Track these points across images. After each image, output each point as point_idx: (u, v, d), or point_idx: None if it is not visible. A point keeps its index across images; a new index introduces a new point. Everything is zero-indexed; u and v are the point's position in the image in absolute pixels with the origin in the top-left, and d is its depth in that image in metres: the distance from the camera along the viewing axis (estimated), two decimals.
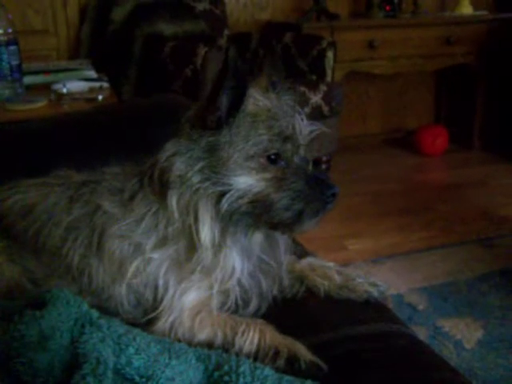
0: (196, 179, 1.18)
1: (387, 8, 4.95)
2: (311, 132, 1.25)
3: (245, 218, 1.19)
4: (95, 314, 1.01)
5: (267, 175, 1.17)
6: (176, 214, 1.18)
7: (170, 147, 1.21)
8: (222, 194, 1.17)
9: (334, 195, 1.18)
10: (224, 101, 1.16)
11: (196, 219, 1.18)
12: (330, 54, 4.17)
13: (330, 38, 4.28)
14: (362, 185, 4.37)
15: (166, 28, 4.09)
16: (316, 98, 3.86)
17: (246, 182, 1.17)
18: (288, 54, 4.25)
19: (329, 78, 4.22)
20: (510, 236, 3.54)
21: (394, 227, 3.72)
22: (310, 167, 1.22)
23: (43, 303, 0.99)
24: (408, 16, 4.99)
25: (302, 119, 1.24)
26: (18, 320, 0.93)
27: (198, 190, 1.18)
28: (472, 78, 5.11)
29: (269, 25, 4.90)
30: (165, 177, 1.19)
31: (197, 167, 1.17)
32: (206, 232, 1.17)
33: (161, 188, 1.21)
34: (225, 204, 1.17)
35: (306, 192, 1.17)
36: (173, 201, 1.18)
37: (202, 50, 3.53)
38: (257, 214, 1.18)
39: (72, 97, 2.75)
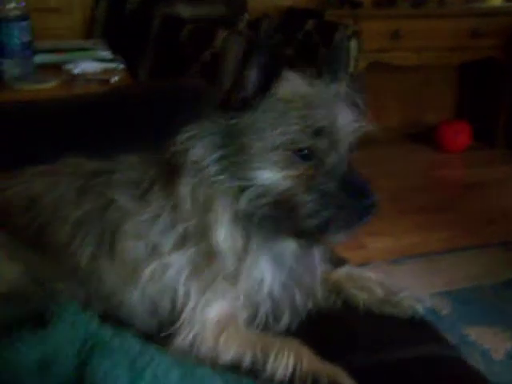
0: (213, 169, 1.02)
1: None
2: (357, 128, 1.06)
3: (265, 222, 1.03)
4: (107, 332, 0.87)
5: (294, 172, 1.00)
6: (188, 207, 1.02)
7: (190, 129, 1.05)
8: (241, 191, 1.01)
9: (372, 206, 1.01)
10: (252, 78, 0.99)
11: (212, 218, 1.02)
12: (353, 44, 4.01)
13: (354, 27, 4.11)
14: (381, 181, 4.16)
15: (185, 10, 3.95)
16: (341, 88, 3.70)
17: (270, 177, 1.00)
18: (310, 42, 4.09)
19: (352, 69, 4.06)
20: None
21: (414, 226, 3.57)
22: (349, 169, 1.04)
23: (45, 320, 0.84)
24: (434, 6, 4.80)
25: (348, 112, 1.05)
26: (16, 338, 0.78)
27: (214, 182, 1.02)
28: (498, 72, 4.92)
29: (290, 11, 4.73)
30: (179, 160, 1.04)
31: (215, 155, 1.01)
32: (224, 235, 1.02)
33: (175, 175, 1.05)
34: (243, 202, 1.01)
35: (338, 197, 0.99)
36: (184, 190, 1.03)
37: (221, 34, 3.38)
38: (279, 219, 1.02)
39: (85, 78, 2.60)
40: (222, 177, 1.02)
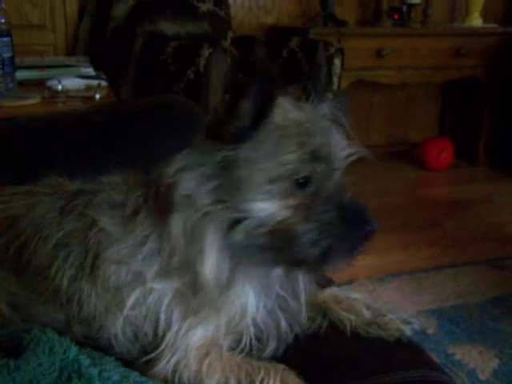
0: (206, 201, 0.98)
1: (395, 16, 4.82)
2: (350, 155, 1.04)
3: (261, 252, 0.99)
4: (85, 361, 0.83)
5: (292, 202, 0.97)
6: (181, 242, 0.99)
7: (180, 159, 1.01)
8: (236, 222, 0.97)
9: (371, 233, 0.99)
10: (248, 108, 0.95)
11: (200, 250, 0.98)
12: (337, 61, 4.02)
13: (338, 45, 4.13)
14: (365, 199, 4.17)
15: (168, 27, 3.93)
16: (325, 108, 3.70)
17: (267, 208, 0.96)
18: (294, 60, 4.09)
19: (335, 86, 4.07)
20: None
21: (399, 244, 3.56)
22: (346, 195, 1.01)
23: (21, 345, 0.80)
24: (417, 26, 4.85)
25: (340, 138, 1.03)
26: None
27: (206, 214, 0.98)
28: (479, 91, 4.97)
29: (274, 29, 4.75)
30: (170, 195, 0.99)
31: (208, 186, 0.98)
32: (211, 266, 0.98)
33: (166, 208, 1.01)
34: (239, 234, 0.97)
35: (338, 226, 0.96)
36: (176, 226, 0.99)
37: (205, 51, 3.37)
38: (276, 249, 0.98)
39: (67, 94, 2.58)
40: (214, 208, 0.98)
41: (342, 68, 4.07)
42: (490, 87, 4.91)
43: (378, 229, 1.01)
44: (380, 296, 2.89)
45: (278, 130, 0.98)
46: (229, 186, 0.97)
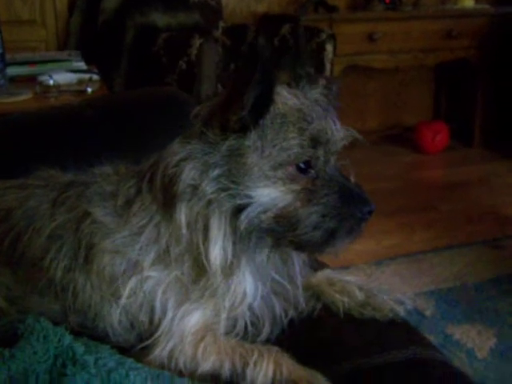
0: (210, 189, 1.00)
1: (387, 1, 4.80)
2: (345, 137, 1.07)
3: (266, 236, 1.02)
4: (79, 348, 0.84)
5: (295, 187, 1.00)
6: (184, 230, 1.01)
7: (179, 149, 1.03)
8: (241, 208, 0.99)
9: (370, 213, 1.02)
10: (250, 97, 0.97)
11: (206, 237, 1.00)
12: (329, 47, 4.02)
13: (329, 31, 4.13)
14: (361, 183, 4.18)
15: (160, 19, 3.92)
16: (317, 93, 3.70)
17: (271, 194, 0.99)
18: (286, 47, 4.09)
19: (328, 72, 4.07)
20: None
21: (395, 227, 3.57)
22: (344, 179, 1.05)
23: (16, 335, 0.82)
24: (409, 9, 4.84)
25: (335, 122, 1.06)
26: None
27: (211, 202, 1.00)
28: (472, 73, 4.97)
29: (267, 17, 4.73)
30: (173, 185, 1.01)
31: (212, 175, 1.00)
32: (217, 252, 1.00)
33: (166, 197, 1.03)
34: (244, 220, 1.00)
35: (340, 208, 1.00)
36: (182, 215, 1.01)
37: (196, 42, 3.37)
38: (281, 232, 1.01)
39: (59, 89, 2.58)
40: (218, 196, 1.00)
41: (335, 54, 4.07)
42: (483, 68, 4.90)
43: (375, 210, 1.05)
44: (378, 279, 2.90)
45: (279, 118, 1.00)
46: (233, 173, 1.00)
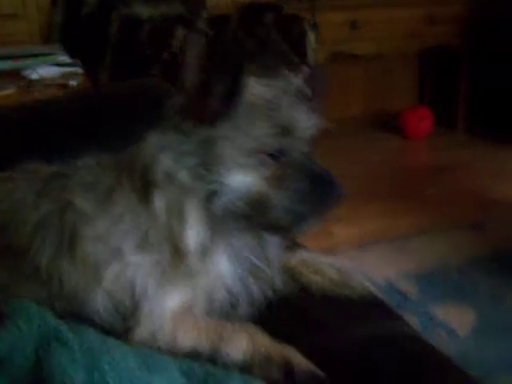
0: (186, 177, 1.06)
1: None
2: (315, 126, 1.13)
3: (239, 220, 1.08)
4: (64, 327, 0.89)
5: (267, 173, 1.06)
6: (162, 217, 1.07)
7: (154, 140, 1.09)
8: (215, 195, 1.06)
9: (339, 197, 1.08)
10: (219, 90, 1.02)
11: (182, 223, 1.06)
12: (311, 36, 4.05)
13: (312, 19, 4.16)
14: (345, 170, 4.22)
15: (142, 10, 3.93)
16: (298, 81, 3.74)
17: (244, 180, 1.05)
18: (269, 36, 4.12)
19: (311, 60, 4.10)
20: (500, 219, 3.46)
21: (380, 212, 3.62)
22: (314, 165, 1.11)
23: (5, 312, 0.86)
24: None
25: (304, 111, 1.11)
26: None
27: (187, 189, 1.06)
28: (456, 58, 5.02)
29: (250, 6, 4.75)
30: (151, 174, 1.07)
31: (188, 164, 1.06)
32: (194, 237, 1.06)
33: (144, 186, 1.09)
34: (218, 206, 1.06)
35: (309, 193, 1.06)
36: (159, 202, 1.07)
37: (180, 33, 3.39)
38: (253, 217, 1.08)
39: (43, 83, 2.60)
40: (194, 184, 1.06)
41: (318, 42, 4.10)
42: (466, 53, 4.95)
43: (343, 195, 1.10)
44: (361, 263, 2.96)
45: (250, 108, 1.06)
46: (207, 162, 1.06)
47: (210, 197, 1.06)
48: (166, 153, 1.07)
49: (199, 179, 1.06)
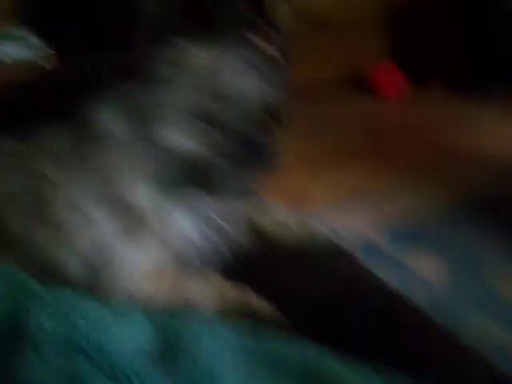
0: (125, 137, 1.13)
1: None
2: (252, 93, 1.17)
3: (185, 184, 1.15)
4: (38, 286, 0.97)
5: (204, 138, 1.12)
6: (112, 177, 1.14)
7: (97, 102, 1.16)
8: (155, 155, 1.13)
9: (274, 159, 1.15)
10: (152, 50, 1.11)
11: (129, 185, 1.13)
12: (284, 6, 4.07)
13: None
14: (319, 132, 4.27)
15: None
16: (271, 49, 3.76)
17: (181, 144, 1.11)
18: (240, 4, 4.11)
19: (283, 28, 4.11)
20: (471, 171, 3.55)
21: (355, 170, 3.67)
22: (249, 130, 1.16)
23: None
24: None
25: (243, 78, 1.16)
26: None
27: (126, 149, 1.13)
28: (430, 14, 5.00)
29: None
30: (94, 136, 1.15)
31: (125, 124, 1.13)
32: (141, 196, 1.13)
33: (95, 149, 1.16)
34: (157, 167, 1.13)
35: (247, 157, 1.12)
36: (104, 163, 1.14)
37: None
38: (194, 180, 1.14)
39: (14, 65, 2.61)
40: (136, 146, 1.12)
41: (289, 8, 4.11)
42: (440, 9, 4.93)
43: (277, 162, 1.17)
44: (331, 220, 3.02)
45: (186, 72, 1.12)
46: (144, 123, 1.12)
47: (153, 160, 1.12)
48: (105, 113, 1.14)
49: (140, 141, 1.12)
